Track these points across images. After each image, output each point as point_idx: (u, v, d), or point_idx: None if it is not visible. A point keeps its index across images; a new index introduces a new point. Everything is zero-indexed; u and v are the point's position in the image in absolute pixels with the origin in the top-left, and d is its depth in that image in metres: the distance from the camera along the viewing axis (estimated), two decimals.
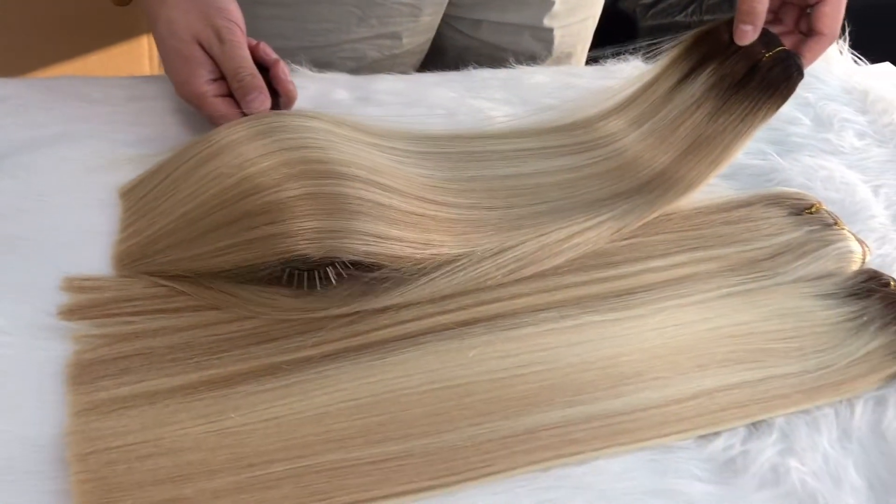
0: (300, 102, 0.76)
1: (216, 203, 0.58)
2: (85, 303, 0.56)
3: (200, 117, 0.71)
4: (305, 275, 0.57)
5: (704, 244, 0.67)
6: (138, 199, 0.63)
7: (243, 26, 0.70)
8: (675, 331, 0.59)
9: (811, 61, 0.69)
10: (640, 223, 0.66)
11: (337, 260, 0.56)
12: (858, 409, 0.57)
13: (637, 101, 0.71)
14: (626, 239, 0.66)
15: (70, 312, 0.55)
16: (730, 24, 0.66)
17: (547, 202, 0.67)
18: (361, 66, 0.88)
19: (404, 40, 0.91)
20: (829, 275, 0.66)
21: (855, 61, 0.93)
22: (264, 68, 0.70)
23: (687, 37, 0.69)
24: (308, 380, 0.53)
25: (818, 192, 0.74)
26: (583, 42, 1.01)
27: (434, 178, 0.65)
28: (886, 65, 0.98)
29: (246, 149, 0.60)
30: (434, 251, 0.59)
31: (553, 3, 0.93)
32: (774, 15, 0.71)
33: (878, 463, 0.55)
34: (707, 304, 0.62)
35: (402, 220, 0.59)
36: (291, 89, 0.70)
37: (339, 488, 0.48)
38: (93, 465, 0.47)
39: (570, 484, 0.51)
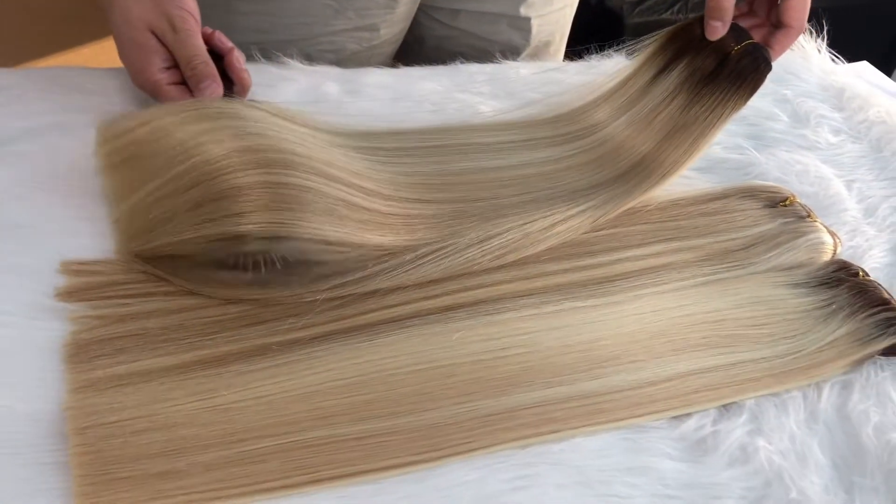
0: (290, 95, 0.79)
1: (171, 188, 0.59)
2: (81, 285, 0.58)
3: None
4: (262, 260, 0.58)
5: (681, 235, 0.69)
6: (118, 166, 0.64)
7: (197, 16, 0.70)
8: (651, 317, 0.62)
9: (780, 53, 0.71)
10: (620, 211, 0.68)
11: (285, 250, 0.57)
12: (825, 392, 0.60)
13: (616, 95, 0.73)
14: (605, 229, 0.68)
15: (67, 294, 0.57)
16: (702, 21, 0.69)
17: (531, 192, 0.69)
18: (341, 59, 0.89)
19: (382, 31, 0.92)
20: (801, 265, 0.68)
21: (833, 60, 0.95)
22: (220, 57, 0.70)
23: (662, 33, 0.71)
24: (297, 360, 0.55)
25: (793, 186, 0.77)
26: (561, 31, 1.02)
27: (399, 174, 0.67)
28: (863, 63, 1.00)
29: (192, 130, 0.61)
30: (377, 244, 0.61)
31: None
32: (749, 6, 0.73)
33: (842, 443, 0.57)
34: (683, 291, 0.64)
35: (349, 216, 0.61)
36: (245, 77, 0.71)
37: (325, 463, 0.50)
38: (90, 438, 0.49)
39: (548, 461, 0.53)
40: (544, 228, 0.65)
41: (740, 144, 0.82)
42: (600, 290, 0.63)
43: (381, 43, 0.93)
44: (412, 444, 0.52)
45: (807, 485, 0.53)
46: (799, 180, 0.78)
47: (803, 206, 0.73)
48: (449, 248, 0.62)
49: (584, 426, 0.55)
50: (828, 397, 0.60)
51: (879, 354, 0.62)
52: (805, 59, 0.94)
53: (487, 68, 0.87)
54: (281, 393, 0.53)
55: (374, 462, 0.51)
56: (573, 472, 0.53)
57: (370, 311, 0.59)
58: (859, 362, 0.62)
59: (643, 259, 0.67)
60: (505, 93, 0.83)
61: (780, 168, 0.79)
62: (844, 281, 0.66)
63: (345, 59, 0.89)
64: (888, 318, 0.63)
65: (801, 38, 0.95)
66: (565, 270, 0.65)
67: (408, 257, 0.61)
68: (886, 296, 0.65)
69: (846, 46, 0.96)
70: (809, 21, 0.93)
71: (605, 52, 0.90)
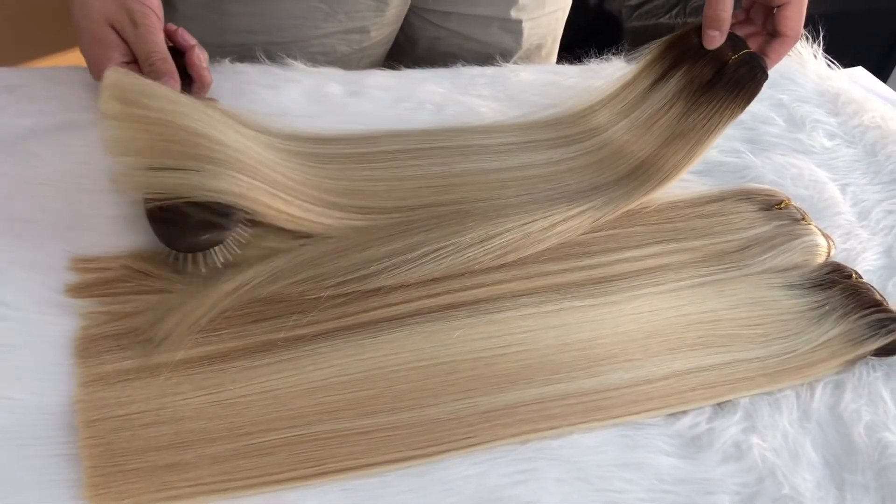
0: (294, 95, 0.80)
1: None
2: (91, 281, 0.59)
3: None
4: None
5: (678, 236, 0.70)
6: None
7: (160, 12, 0.70)
8: (648, 316, 0.63)
9: (776, 61, 0.72)
10: (618, 213, 0.70)
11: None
12: (818, 391, 0.61)
13: (616, 100, 0.74)
14: (604, 230, 0.69)
15: (77, 290, 0.58)
16: (699, 30, 0.70)
17: (532, 193, 0.70)
18: (331, 61, 0.90)
19: (372, 33, 0.93)
20: (795, 267, 0.70)
21: (828, 65, 0.96)
22: (181, 53, 0.70)
23: (660, 41, 0.73)
24: (302, 356, 0.56)
25: (788, 189, 0.78)
26: (553, 34, 1.03)
27: (396, 178, 0.70)
28: (859, 69, 1.02)
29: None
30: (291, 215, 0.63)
31: None
32: (746, 14, 0.74)
33: (834, 442, 0.58)
34: (679, 292, 0.65)
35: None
36: (205, 75, 0.71)
37: (329, 456, 0.52)
38: (100, 431, 0.50)
39: (546, 456, 0.54)
40: (545, 228, 0.66)
41: (737, 148, 0.83)
42: (598, 289, 0.65)
43: (372, 45, 0.94)
44: (414, 439, 0.53)
45: (799, 481, 0.55)
46: (794, 184, 0.79)
47: (798, 209, 0.75)
48: (451, 248, 0.63)
49: (582, 423, 0.56)
50: (820, 396, 0.61)
51: (871, 355, 0.63)
52: (801, 65, 0.95)
53: (488, 71, 0.88)
54: (286, 388, 0.54)
55: (378, 456, 0.52)
56: (572, 467, 0.54)
57: (373, 308, 0.60)
58: (852, 362, 0.63)
59: (641, 260, 0.68)
60: (505, 95, 0.84)
61: (776, 171, 0.80)
62: (838, 283, 0.68)
63: (335, 61, 0.90)
64: (880, 320, 0.64)
65: (797, 43, 0.96)
66: (564, 270, 0.66)
67: (410, 255, 0.62)
68: (879, 297, 0.66)
69: (842, 52, 0.98)
70: (806, 27, 0.95)
71: (604, 55, 0.92)
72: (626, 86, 0.74)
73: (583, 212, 0.68)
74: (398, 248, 0.62)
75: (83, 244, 0.62)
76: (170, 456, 0.50)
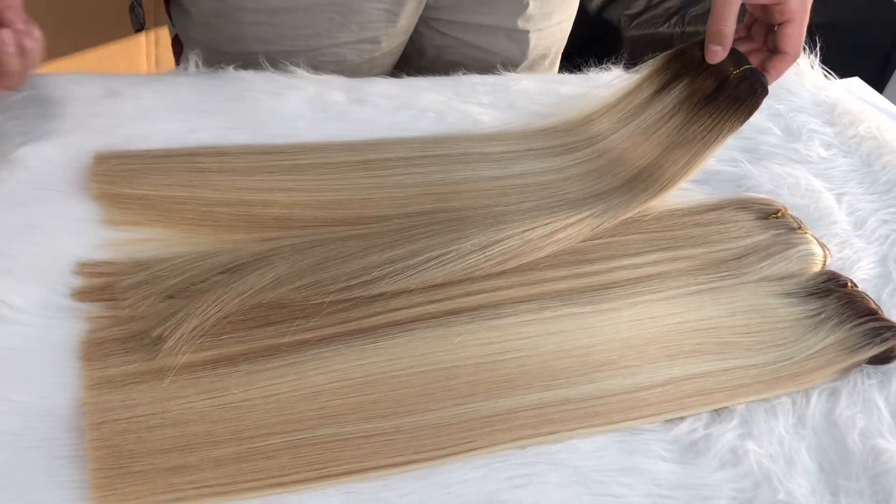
0: (297, 103, 0.80)
1: None
2: (97, 285, 0.60)
3: (199, 114, 0.75)
4: None
5: (676, 244, 0.71)
6: None
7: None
8: (646, 323, 0.64)
9: (776, 77, 0.73)
10: (618, 221, 0.71)
11: None
12: (813, 398, 0.62)
13: (616, 108, 0.75)
14: (603, 238, 0.70)
15: (83, 294, 0.59)
16: (702, 44, 0.71)
17: (532, 200, 0.71)
18: (342, 70, 0.91)
19: (383, 44, 0.94)
20: (791, 275, 0.71)
21: (825, 76, 0.97)
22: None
23: (664, 54, 0.74)
24: (305, 361, 0.57)
25: (785, 199, 0.79)
26: (557, 45, 1.04)
27: (400, 184, 0.72)
28: (855, 79, 1.03)
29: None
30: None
31: (527, 6, 0.97)
32: (748, 31, 0.75)
33: (829, 448, 0.59)
34: (677, 299, 0.66)
35: None
36: (3, 60, 0.61)
37: (332, 460, 0.52)
38: (105, 433, 0.51)
39: (545, 461, 0.55)
40: (545, 236, 0.67)
41: (735, 157, 0.84)
42: (597, 296, 0.65)
43: (382, 55, 0.95)
44: (416, 443, 0.54)
45: (794, 487, 0.55)
46: (791, 193, 0.80)
47: (795, 219, 0.75)
48: (452, 254, 0.64)
49: (580, 428, 0.57)
50: (816, 403, 0.62)
51: (866, 363, 0.64)
52: (798, 75, 0.96)
53: (489, 79, 0.89)
54: (289, 392, 0.55)
55: (380, 460, 0.53)
56: (570, 471, 0.55)
57: (375, 314, 0.61)
58: (847, 370, 0.64)
59: (639, 267, 0.69)
60: (506, 104, 0.85)
61: (773, 181, 0.81)
62: (833, 291, 0.68)
63: (346, 70, 0.91)
64: (875, 328, 0.65)
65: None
66: (564, 277, 0.67)
67: (411, 262, 0.63)
68: (874, 306, 0.67)
69: (838, 63, 0.99)
70: None
71: (604, 64, 0.93)
72: (628, 94, 0.75)
73: (582, 219, 0.69)
74: (400, 254, 0.63)
75: (87, 248, 0.62)
76: (175, 458, 0.51)
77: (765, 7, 0.71)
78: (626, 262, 0.69)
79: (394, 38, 0.95)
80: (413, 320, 0.61)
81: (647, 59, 0.74)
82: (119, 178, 0.68)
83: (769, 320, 0.66)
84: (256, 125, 0.77)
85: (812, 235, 0.74)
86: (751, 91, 0.70)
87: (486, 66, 0.96)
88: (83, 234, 0.64)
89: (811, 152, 0.86)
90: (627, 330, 0.63)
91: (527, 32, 0.99)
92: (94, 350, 0.56)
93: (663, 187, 0.71)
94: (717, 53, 0.70)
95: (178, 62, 1.00)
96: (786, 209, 0.76)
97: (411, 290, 0.63)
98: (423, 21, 0.97)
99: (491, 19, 0.97)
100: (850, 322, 0.66)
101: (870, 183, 0.84)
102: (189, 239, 0.65)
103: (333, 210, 0.69)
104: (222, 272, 0.61)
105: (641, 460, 0.56)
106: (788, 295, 0.68)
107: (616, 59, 0.92)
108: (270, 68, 0.84)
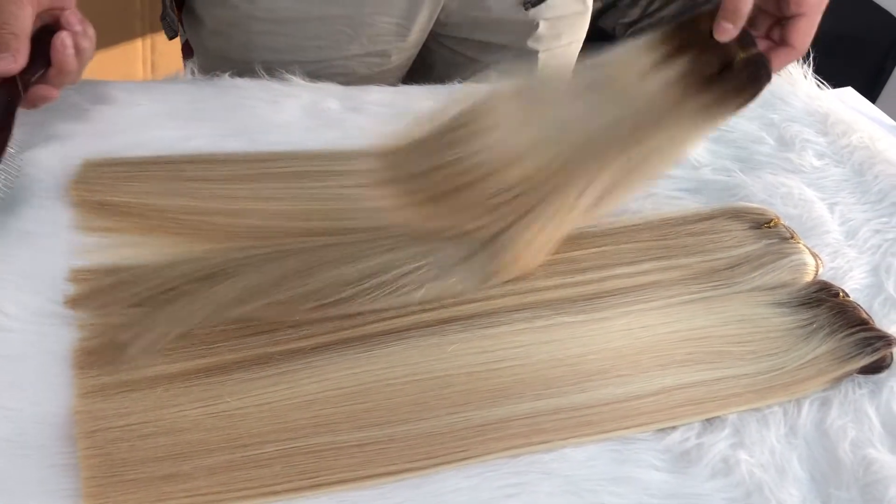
0: (293, 110, 0.81)
1: None
2: (90, 293, 0.60)
3: (194, 121, 0.75)
4: None
5: (669, 254, 0.71)
6: None
7: None
8: (638, 333, 0.64)
9: (777, 70, 0.69)
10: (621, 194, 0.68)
11: None
12: (805, 408, 0.62)
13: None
14: (595, 247, 0.71)
15: (76, 301, 0.59)
16: (711, 17, 0.66)
17: None
18: (350, 82, 0.92)
19: (392, 57, 0.95)
20: (784, 285, 0.71)
21: (818, 85, 0.98)
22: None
23: (669, 25, 0.68)
24: (298, 369, 0.57)
25: (778, 208, 0.79)
26: (567, 65, 1.04)
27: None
28: (848, 89, 1.03)
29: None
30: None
31: (537, 26, 0.97)
32: (750, 18, 0.72)
33: (820, 458, 0.59)
34: (669, 309, 0.67)
35: None
36: (66, 62, 0.67)
37: (325, 468, 0.52)
38: (98, 441, 0.51)
39: (538, 470, 0.55)
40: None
41: (727, 167, 0.84)
42: (590, 306, 0.66)
43: (391, 69, 0.96)
44: (409, 452, 0.54)
45: (786, 496, 0.56)
46: (783, 202, 0.80)
47: (787, 228, 0.76)
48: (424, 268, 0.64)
49: (572, 437, 0.57)
50: (807, 413, 0.62)
51: (857, 372, 0.65)
52: (792, 85, 0.96)
53: (486, 88, 0.89)
54: (282, 400, 0.55)
55: (373, 468, 0.53)
56: (562, 481, 0.55)
57: (369, 322, 0.61)
58: (838, 380, 0.64)
59: (632, 277, 0.69)
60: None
61: (766, 190, 0.81)
62: (825, 301, 0.69)
63: (355, 83, 0.92)
64: (866, 338, 0.65)
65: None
66: (556, 286, 0.67)
67: (384, 278, 0.63)
68: (865, 316, 0.67)
69: (832, 73, 0.99)
70: None
71: None
72: (623, 63, 0.68)
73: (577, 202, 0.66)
74: (371, 266, 0.63)
75: (83, 256, 0.63)
76: (168, 467, 0.51)
77: None
78: (618, 271, 0.69)
79: (403, 53, 0.95)
80: (407, 329, 0.61)
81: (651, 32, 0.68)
82: (100, 186, 0.68)
83: (761, 330, 0.66)
84: (252, 133, 0.77)
85: (804, 245, 0.74)
86: (755, 76, 0.66)
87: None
88: (77, 242, 0.64)
89: (804, 162, 0.86)
90: (620, 339, 0.63)
91: (536, 52, 0.99)
92: (88, 358, 0.56)
93: (655, 164, 0.67)
94: (729, 31, 0.65)
95: (186, 67, 1.00)
96: (779, 219, 0.77)
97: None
98: (433, 37, 0.98)
99: (501, 38, 0.98)
100: (842, 332, 0.66)
101: (862, 193, 0.84)
102: (171, 247, 0.65)
103: (307, 221, 0.69)
104: (193, 281, 0.61)
105: (633, 469, 0.56)
106: (780, 304, 0.69)
107: None
108: (266, 76, 0.84)
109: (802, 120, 0.92)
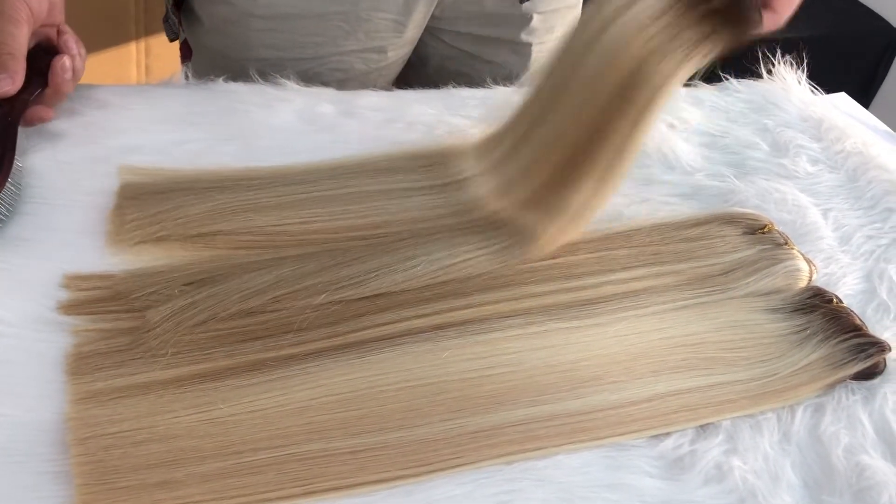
0: (287, 115, 0.81)
1: None
2: (83, 299, 0.60)
3: (188, 125, 0.75)
4: None
5: (662, 259, 0.71)
6: None
7: (38, 11, 0.69)
8: (632, 339, 0.64)
9: (760, 34, 0.65)
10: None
11: None
12: (798, 414, 0.62)
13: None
14: (589, 253, 0.71)
15: (69, 307, 0.59)
16: None
17: None
18: (348, 78, 0.92)
19: (389, 53, 0.95)
20: (777, 290, 0.71)
21: (812, 91, 0.98)
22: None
23: None
24: (291, 375, 0.57)
25: (771, 214, 0.79)
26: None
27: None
28: (842, 95, 1.03)
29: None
30: None
31: (530, 20, 0.98)
32: None
33: (813, 464, 0.59)
34: (663, 315, 0.67)
35: None
36: (62, 84, 0.70)
37: (318, 475, 0.52)
38: (91, 448, 0.51)
39: (532, 476, 0.55)
40: None
41: (721, 172, 0.84)
42: (584, 311, 0.66)
43: (388, 64, 0.97)
44: (402, 459, 0.54)
45: (779, 503, 0.56)
46: (777, 208, 0.80)
47: (781, 234, 0.76)
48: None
49: (566, 444, 0.57)
50: (801, 419, 0.62)
51: (851, 379, 0.65)
52: (785, 90, 0.97)
53: (479, 93, 0.90)
54: (275, 407, 0.55)
55: (366, 475, 0.53)
56: (556, 487, 0.55)
57: (363, 328, 0.61)
58: (831, 386, 0.64)
59: (626, 282, 0.69)
60: (495, 117, 0.85)
61: (760, 196, 0.81)
62: (819, 307, 0.69)
63: (351, 79, 0.92)
64: (860, 344, 0.65)
65: (781, 69, 0.98)
66: (550, 292, 0.67)
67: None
68: (858, 322, 0.68)
69: (825, 78, 0.99)
70: (790, 53, 0.97)
71: None
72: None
73: None
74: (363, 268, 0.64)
75: (76, 262, 0.62)
76: (161, 474, 0.51)
77: None
78: (612, 276, 0.69)
79: (400, 48, 0.96)
80: (400, 335, 0.61)
81: None
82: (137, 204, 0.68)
83: (755, 336, 0.66)
84: (245, 137, 0.77)
85: (798, 251, 0.74)
86: (744, 15, 0.63)
87: (488, 77, 0.97)
88: (72, 247, 0.64)
89: (798, 167, 0.87)
90: (614, 345, 0.63)
91: (529, 45, 1.00)
92: (81, 364, 0.56)
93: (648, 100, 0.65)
94: None
95: (183, 69, 1.01)
96: (772, 224, 0.77)
97: (399, 305, 0.63)
98: (429, 31, 0.98)
99: (495, 32, 0.98)
100: (836, 338, 0.66)
101: (855, 198, 0.85)
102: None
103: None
104: (189, 284, 0.62)
105: (627, 476, 0.56)
106: (774, 310, 0.69)
107: None
108: (260, 80, 0.84)
109: (796, 125, 0.92)
